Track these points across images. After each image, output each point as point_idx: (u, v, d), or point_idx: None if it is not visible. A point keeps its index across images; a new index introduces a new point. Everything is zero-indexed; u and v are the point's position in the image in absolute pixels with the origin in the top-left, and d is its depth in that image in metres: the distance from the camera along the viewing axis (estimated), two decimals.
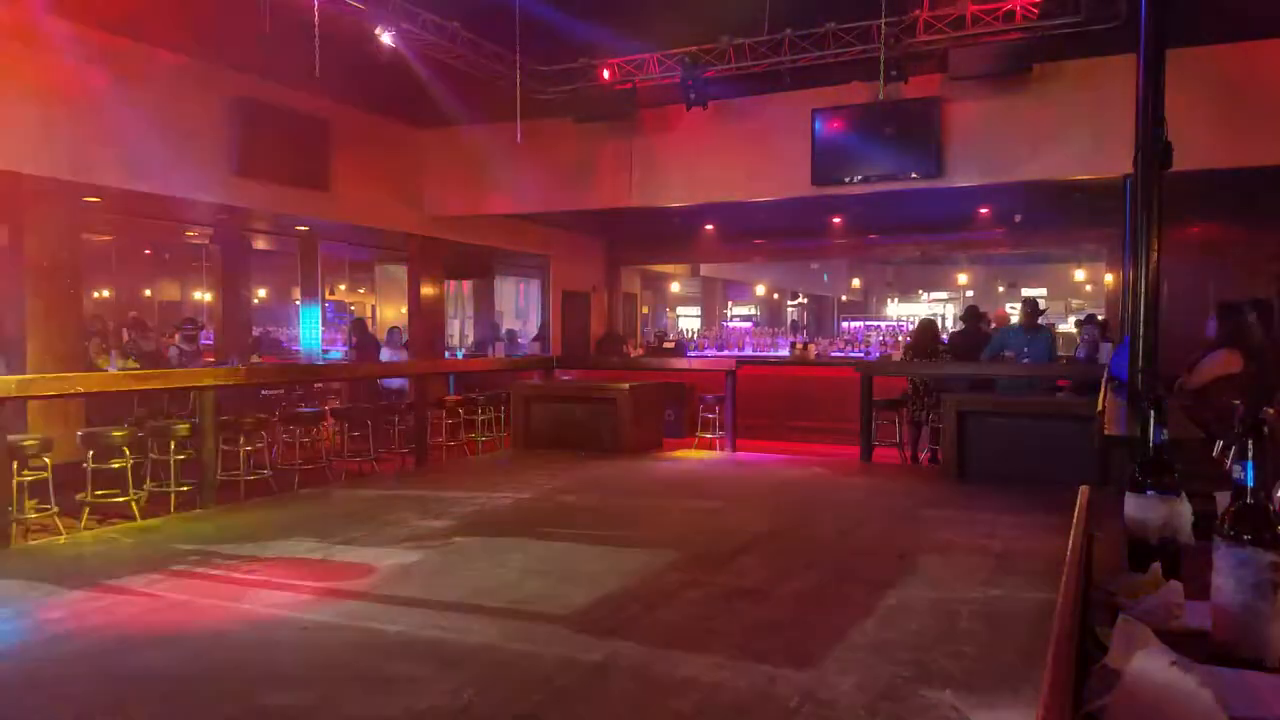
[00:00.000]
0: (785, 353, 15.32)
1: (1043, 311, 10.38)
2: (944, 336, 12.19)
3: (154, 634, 4.51)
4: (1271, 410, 4.43)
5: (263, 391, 10.44)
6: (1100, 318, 11.65)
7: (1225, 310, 6.23)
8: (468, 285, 17.04)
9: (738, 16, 9.16)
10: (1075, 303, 27.31)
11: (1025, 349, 9.52)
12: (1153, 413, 1.93)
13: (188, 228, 12.94)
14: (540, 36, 9.31)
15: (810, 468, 9.74)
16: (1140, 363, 5.23)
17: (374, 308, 22.89)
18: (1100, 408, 5.61)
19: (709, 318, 26.75)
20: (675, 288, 25.51)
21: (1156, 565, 1.76)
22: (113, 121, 8.48)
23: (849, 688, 3.85)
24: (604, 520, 7.37)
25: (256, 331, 15.53)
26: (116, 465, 7.17)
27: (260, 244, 14.49)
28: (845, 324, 25.47)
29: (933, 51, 9.07)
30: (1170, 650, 1.38)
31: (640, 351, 15.38)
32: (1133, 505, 1.89)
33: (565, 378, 12.70)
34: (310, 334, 12.98)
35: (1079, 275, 23.39)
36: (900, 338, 15.18)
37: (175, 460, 7.60)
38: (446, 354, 14.60)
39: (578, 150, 11.39)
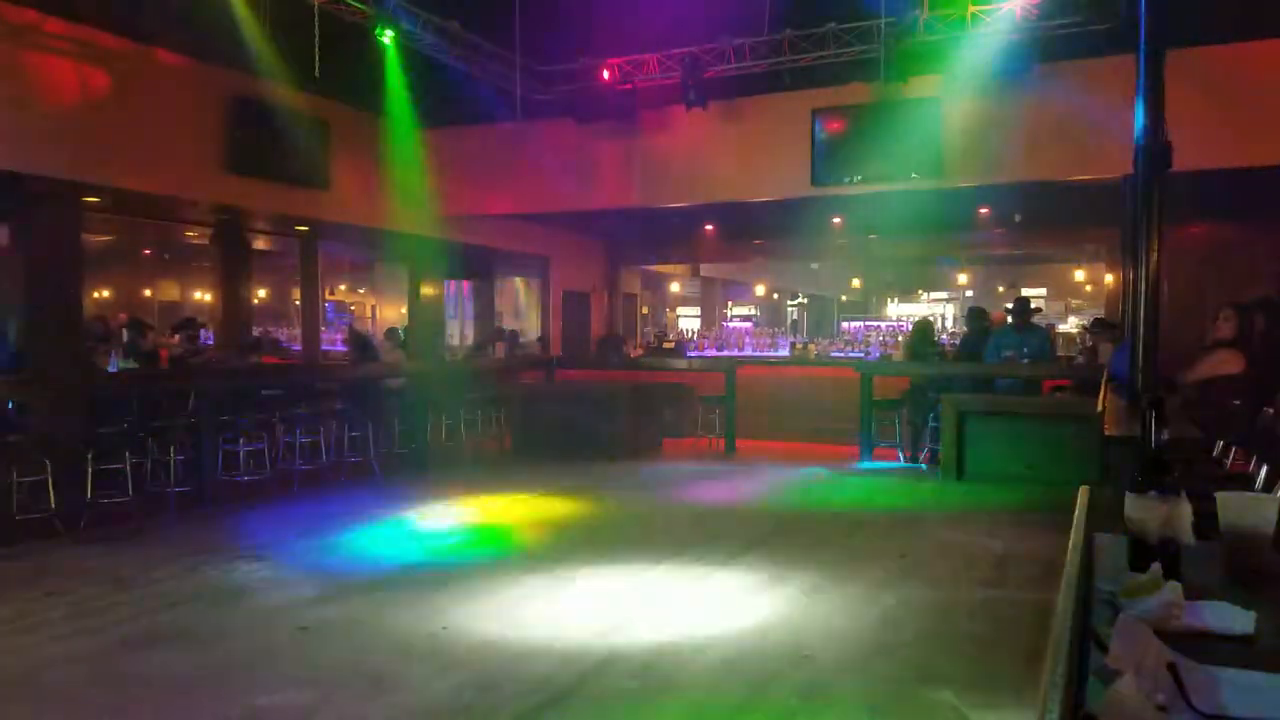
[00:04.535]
0: (785, 353, 15.31)
1: (1036, 310, 10.35)
2: (942, 337, 12.17)
3: None
4: (1271, 410, 4.44)
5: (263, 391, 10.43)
6: (1104, 319, 11.55)
7: (1238, 310, 6.23)
8: (468, 285, 17.03)
9: (738, 16, 9.16)
10: (1075, 302, 27.29)
11: (1024, 349, 9.50)
12: (1153, 413, 1.94)
13: (188, 228, 12.93)
14: (540, 36, 9.32)
15: (810, 468, 9.74)
16: (1140, 363, 5.22)
17: (374, 308, 22.88)
18: (1100, 408, 5.61)
19: (709, 318, 26.74)
20: (675, 288, 25.51)
21: (1157, 565, 1.76)
22: (113, 121, 8.47)
23: (850, 687, 3.86)
24: (604, 521, 7.37)
25: (257, 331, 15.50)
26: None
27: (260, 244, 14.47)
28: (845, 324, 25.47)
29: (933, 51, 9.06)
30: (1170, 650, 1.38)
31: (640, 351, 15.37)
32: (1133, 505, 1.89)
33: (565, 378, 12.71)
34: None
35: (1079, 275, 23.37)
36: (900, 338, 15.16)
37: None
38: (446, 355, 14.58)
39: (578, 150, 11.38)
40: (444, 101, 10.60)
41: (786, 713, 3.63)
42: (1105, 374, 7.24)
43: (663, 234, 16.13)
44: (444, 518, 7.29)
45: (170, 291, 23.86)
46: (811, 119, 10.16)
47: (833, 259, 22.42)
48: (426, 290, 13.40)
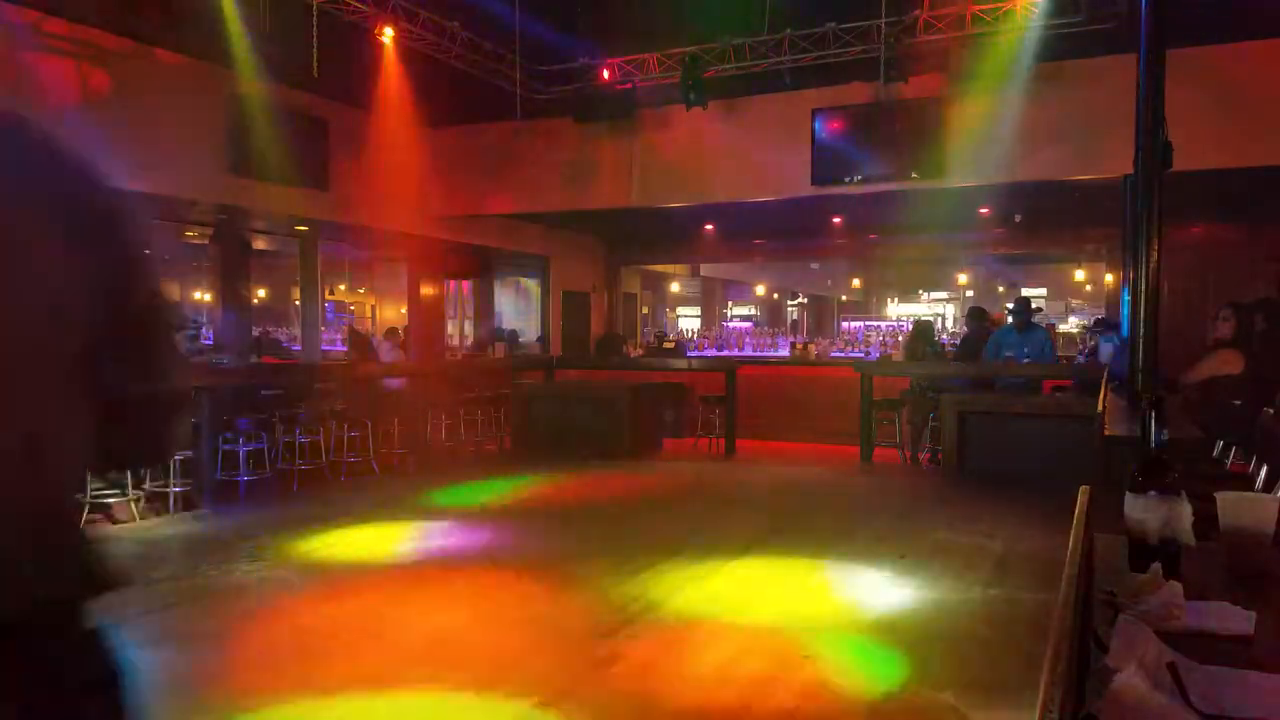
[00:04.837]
0: (785, 353, 15.32)
1: (1036, 310, 10.35)
2: (942, 337, 12.16)
3: None
4: (1271, 410, 4.44)
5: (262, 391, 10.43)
6: (1105, 318, 11.54)
7: (1238, 310, 6.24)
8: (468, 285, 17.04)
9: (738, 16, 9.17)
10: (1075, 302, 27.30)
11: (1024, 349, 9.49)
12: (1153, 413, 1.94)
13: (187, 228, 12.93)
14: (540, 36, 9.33)
15: (810, 468, 9.73)
16: (1140, 363, 5.23)
17: (374, 308, 22.88)
18: (1100, 408, 5.61)
19: (709, 318, 26.76)
20: (675, 288, 25.52)
21: (1157, 565, 1.76)
22: (113, 121, 8.47)
23: (850, 688, 3.86)
24: (605, 522, 7.37)
25: (256, 331, 15.51)
26: None
27: (260, 244, 14.48)
28: (845, 324, 25.49)
29: (933, 51, 9.07)
30: (1170, 650, 1.38)
31: (640, 351, 15.38)
32: (1133, 505, 1.89)
33: (565, 378, 12.70)
34: None
35: (1079, 275, 23.38)
36: (900, 338, 15.17)
37: None
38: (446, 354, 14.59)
39: (578, 150, 11.38)
40: (444, 101, 10.59)
41: (786, 713, 3.63)
42: (1105, 373, 7.25)
43: (663, 234, 16.14)
44: (443, 517, 7.29)
45: (170, 291, 23.84)
46: (812, 119, 10.17)
47: (833, 259, 22.45)
48: (426, 290, 13.42)
